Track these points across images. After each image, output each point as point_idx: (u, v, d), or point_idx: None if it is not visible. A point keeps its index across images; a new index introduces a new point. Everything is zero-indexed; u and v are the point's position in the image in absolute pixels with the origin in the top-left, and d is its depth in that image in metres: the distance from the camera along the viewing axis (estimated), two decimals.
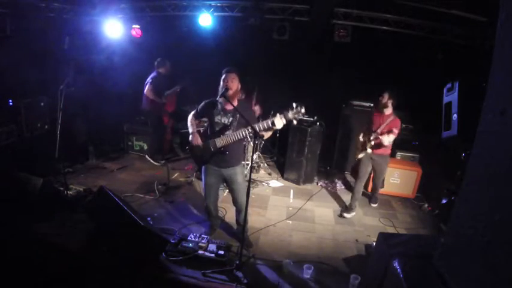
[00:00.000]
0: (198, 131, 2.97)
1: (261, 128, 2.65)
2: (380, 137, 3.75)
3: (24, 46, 4.46)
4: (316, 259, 3.16)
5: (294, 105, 2.56)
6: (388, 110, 3.86)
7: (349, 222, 4.03)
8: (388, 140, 3.70)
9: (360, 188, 4.19)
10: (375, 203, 4.53)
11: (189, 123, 2.98)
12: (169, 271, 2.80)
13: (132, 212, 3.00)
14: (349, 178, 5.45)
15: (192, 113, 3.01)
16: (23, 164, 3.91)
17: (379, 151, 3.95)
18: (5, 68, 4.03)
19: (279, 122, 2.59)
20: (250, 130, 2.65)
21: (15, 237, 2.91)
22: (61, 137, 3.81)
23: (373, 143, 3.88)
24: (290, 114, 2.57)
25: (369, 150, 3.93)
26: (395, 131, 3.72)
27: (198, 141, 2.86)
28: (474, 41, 4.22)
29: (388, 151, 4.05)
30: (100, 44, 5.18)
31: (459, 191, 1.69)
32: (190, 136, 2.90)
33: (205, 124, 3.13)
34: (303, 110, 2.55)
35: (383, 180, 4.47)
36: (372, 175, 4.34)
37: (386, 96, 3.82)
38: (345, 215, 4.14)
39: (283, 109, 2.63)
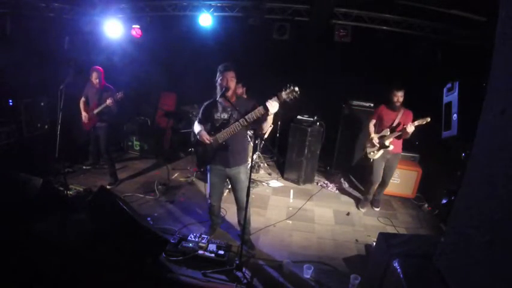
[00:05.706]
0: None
1: (254, 117, 2.64)
2: (403, 128, 3.67)
3: (24, 46, 4.46)
4: (316, 259, 3.16)
5: (288, 85, 2.52)
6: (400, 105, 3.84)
7: (349, 222, 4.02)
8: (411, 129, 3.62)
9: (373, 191, 4.25)
10: (378, 207, 4.41)
11: (195, 127, 3.01)
12: (169, 271, 2.79)
13: (132, 212, 3.00)
14: (349, 178, 5.45)
15: (197, 120, 3.06)
16: (23, 164, 3.92)
17: (395, 149, 3.91)
18: (5, 68, 4.04)
19: (271, 104, 2.54)
20: (244, 120, 2.66)
21: (15, 237, 2.91)
22: (61, 137, 3.81)
23: (391, 138, 3.83)
24: (284, 95, 2.53)
25: (391, 147, 3.86)
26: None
27: (207, 137, 2.85)
28: (474, 41, 4.21)
29: (401, 149, 4.00)
30: (100, 44, 5.18)
31: (459, 190, 1.69)
32: (198, 136, 2.90)
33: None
34: (296, 89, 2.51)
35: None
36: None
37: (403, 94, 3.77)
38: (361, 209, 4.33)
39: (276, 91, 2.58)
